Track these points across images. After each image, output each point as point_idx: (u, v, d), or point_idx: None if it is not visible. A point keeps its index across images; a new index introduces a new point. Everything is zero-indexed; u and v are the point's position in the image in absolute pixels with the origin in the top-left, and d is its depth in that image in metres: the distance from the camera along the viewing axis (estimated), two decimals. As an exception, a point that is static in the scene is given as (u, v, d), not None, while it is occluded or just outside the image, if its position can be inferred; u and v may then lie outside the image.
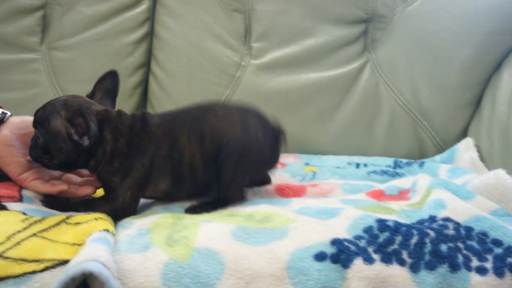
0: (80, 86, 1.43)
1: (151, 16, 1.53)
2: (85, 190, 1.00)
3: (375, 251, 0.78)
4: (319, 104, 1.47)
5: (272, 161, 1.06)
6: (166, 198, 1.03)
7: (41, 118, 0.95)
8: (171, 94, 1.50)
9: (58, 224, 0.83)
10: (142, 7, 1.51)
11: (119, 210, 0.96)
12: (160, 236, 0.80)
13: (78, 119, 0.93)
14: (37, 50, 1.47)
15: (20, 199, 0.92)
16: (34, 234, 0.78)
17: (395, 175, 1.25)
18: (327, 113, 1.47)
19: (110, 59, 1.48)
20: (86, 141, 0.93)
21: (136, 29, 1.51)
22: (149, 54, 1.54)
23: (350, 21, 1.50)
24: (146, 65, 1.54)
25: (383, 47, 1.50)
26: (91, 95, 1.03)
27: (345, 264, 0.76)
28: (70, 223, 0.84)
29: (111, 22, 1.49)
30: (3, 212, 0.84)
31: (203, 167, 0.99)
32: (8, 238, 0.75)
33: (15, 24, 1.44)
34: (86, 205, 0.98)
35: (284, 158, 1.30)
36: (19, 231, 0.78)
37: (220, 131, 0.99)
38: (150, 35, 1.53)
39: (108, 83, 1.04)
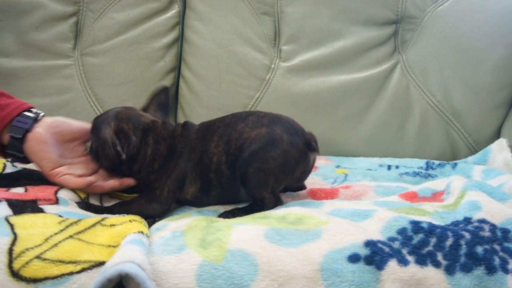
0: (112, 91, 1.47)
1: (181, 21, 1.55)
2: (112, 183, 1.05)
3: (410, 253, 0.77)
4: (350, 106, 1.47)
5: (302, 165, 1.03)
6: (194, 201, 1.05)
7: (95, 125, 1.06)
8: (202, 98, 1.51)
9: (93, 226, 0.84)
10: (172, 12, 1.53)
11: (155, 202, 1.01)
12: (194, 238, 0.80)
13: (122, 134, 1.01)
14: (70, 56, 1.49)
15: (56, 202, 0.94)
16: (71, 236, 0.79)
17: (428, 176, 1.24)
18: (357, 114, 1.47)
19: (141, 63, 1.50)
20: (123, 155, 0.99)
21: (166, 33, 1.52)
22: (179, 58, 1.55)
23: (380, 23, 1.49)
24: (177, 69, 1.55)
25: (414, 48, 1.49)
26: (145, 108, 1.12)
27: (379, 265, 0.75)
28: (105, 225, 0.85)
29: (142, 27, 1.51)
30: (41, 215, 0.86)
31: (228, 171, 1.01)
32: (46, 240, 0.76)
33: (48, 31, 1.47)
34: (121, 204, 1.03)
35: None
36: (56, 233, 0.79)
37: (245, 135, 1.00)
38: (180, 39, 1.55)
39: (162, 98, 1.14)
